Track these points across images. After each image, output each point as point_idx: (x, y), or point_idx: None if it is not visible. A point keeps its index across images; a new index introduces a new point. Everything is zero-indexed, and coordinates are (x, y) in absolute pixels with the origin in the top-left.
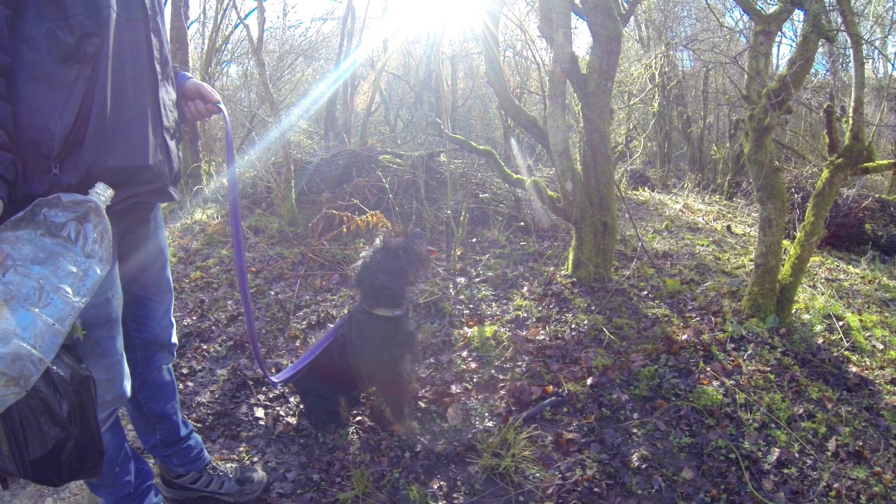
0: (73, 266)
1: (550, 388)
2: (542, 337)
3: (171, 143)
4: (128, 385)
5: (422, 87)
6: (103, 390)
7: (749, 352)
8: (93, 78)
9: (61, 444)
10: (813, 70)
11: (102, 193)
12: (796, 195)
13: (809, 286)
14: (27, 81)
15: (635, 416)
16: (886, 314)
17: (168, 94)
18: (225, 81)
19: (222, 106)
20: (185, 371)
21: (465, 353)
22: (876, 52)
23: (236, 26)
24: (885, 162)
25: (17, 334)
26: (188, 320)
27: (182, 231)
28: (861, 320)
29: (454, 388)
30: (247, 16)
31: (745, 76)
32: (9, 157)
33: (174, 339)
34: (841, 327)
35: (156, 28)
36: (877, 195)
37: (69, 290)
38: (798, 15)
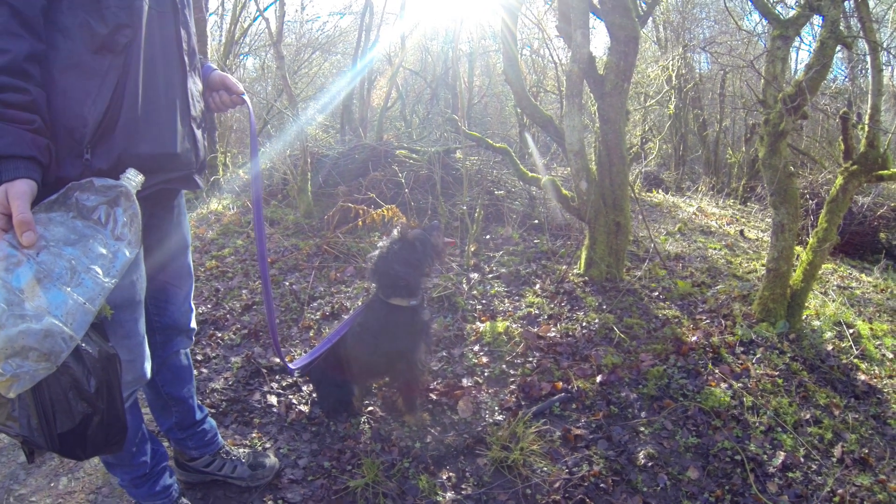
0: (103, 248)
1: (560, 384)
2: (553, 334)
3: (198, 133)
4: (148, 367)
5: (438, 83)
6: (125, 371)
7: (758, 356)
8: (125, 68)
9: (88, 419)
10: (832, 76)
11: (133, 179)
12: (811, 201)
13: (821, 293)
14: (62, 69)
15: (643, 414)
16: None
17: (195, 85)
18: (242, 74)
19: (247, 98)
20: (199, 358)
21: (476, 348)
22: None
23: (255, 19)
24: None
25: (50, 312)
26: (203, 308)
27: (198, 221)
28: (871, 329)
29: (465, 382)
30: (266, 8)
31: (762, 80)
32: (43, 142)
33: (193, 324)
34: (851, 335)
35: (184, 21)
36: (892, 204)
37: (99, 270)
38: (816, 20)
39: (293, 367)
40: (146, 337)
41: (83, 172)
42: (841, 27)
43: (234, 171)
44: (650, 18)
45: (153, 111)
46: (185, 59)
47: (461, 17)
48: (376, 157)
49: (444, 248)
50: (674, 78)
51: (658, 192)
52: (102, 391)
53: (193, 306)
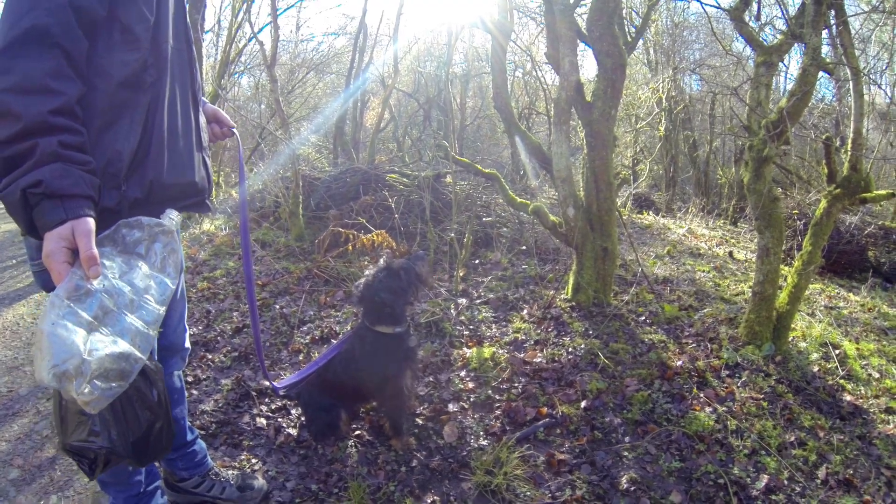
0: (150, 280)
1: (545, 409)
2: (539, 360)
3: (208, 160)
4: None
5: (431, 104)
6: None
7: (743, 379)
8: (153, 104)
9: (151, 426)
10: (819, 96)
11: (174, 218)
12: (798, 222)
13: (808, 314)
14: (98, 108)
15: (626, 439)
16: (884, 342)
17: (203, 117)
18: (236, 92)
19: (236, 131)
20: (190, 379)
21: (463, 373)
22: (883, 77)
23: (250, 40)
24: (882, 192)
25: (122, 336)
26: (194, 329)
27: (190, 241)
28: (858, 348)
29: (451, 407)
30: (260, 30)
31: (747, 107)
32: (96, 181)
33: (187, 344)
34: (837, 355)
35: (194, 58)
36: (880, 222)
37: (151, 298)
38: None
39: (279, 387)
40: None
41: (120, 202)
42: (825, 52)
43: (227, 192)
44: (641, 41)
45: (175, 143)
46: (197, 93)
47: (453, 41)
48: (367, 180)
49: (428, 277)
50: (664, 100)
51: (649, 214)
52: (162, 399)
53: (187, 326)
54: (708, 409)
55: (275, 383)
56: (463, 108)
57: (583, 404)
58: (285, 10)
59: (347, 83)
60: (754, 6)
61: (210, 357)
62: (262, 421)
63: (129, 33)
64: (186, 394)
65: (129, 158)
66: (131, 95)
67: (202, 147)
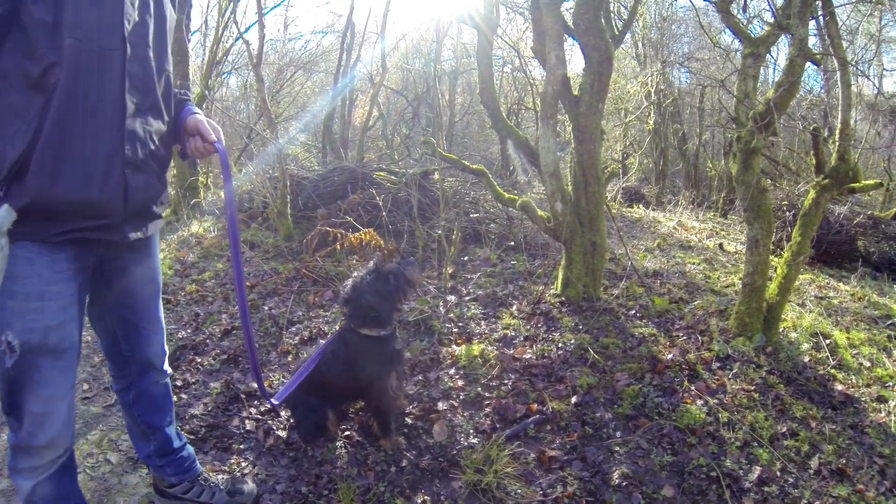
0: None
1: (535, 406)
2: (529, 356)
3: (136, 178)
4: (70, 434)
5: (420, 101)
6: (34, 427)
7: (734, 371)
8: (45, 108)
9: None
10: (808, 87)
11: (4, 216)
12: (788, 213)
13: (798, 304)
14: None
15: (618, 434)
16: (875, 331)
17: (147, 126)
18: (224, 92)
19: (221, 145)
20: (179, 383)
21: (452, 371)
22: (870, 68)
23: (237, 39)
24: (870, 182)
25: None
26: (183, 333)
27: (179, 243)
28: (849, 338)
29: (441, 405)
30: (247, 30)
31: (735, 99)
32: None
33: (166, 367)
34: (828, 345)
35: (140, 58)
36: (869, 212)
37: None
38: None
39: (275, 402)
40: (120, 369)
41: None
42: (812, 43)
43: (216, 193)
44: (629, 35)
45: (72, 154)
46: (130, 98)
47: (441, 37)
48: (355, 179)
49: (417, 282)
50: (653, 93)
51: (639, 207)
52: None
53: (167, 349)
54: (699, 402)
55: (272, 400)
56: (452, 105)
57: (573, 400)
58: (272, 10)
59: (336, 81)
60: None
61: (199, 360)
62: (251, 424)
63: (27, 34)
64: (175, 398)
65: (10, 164)
66: (30, 97)
67: (125, 161)
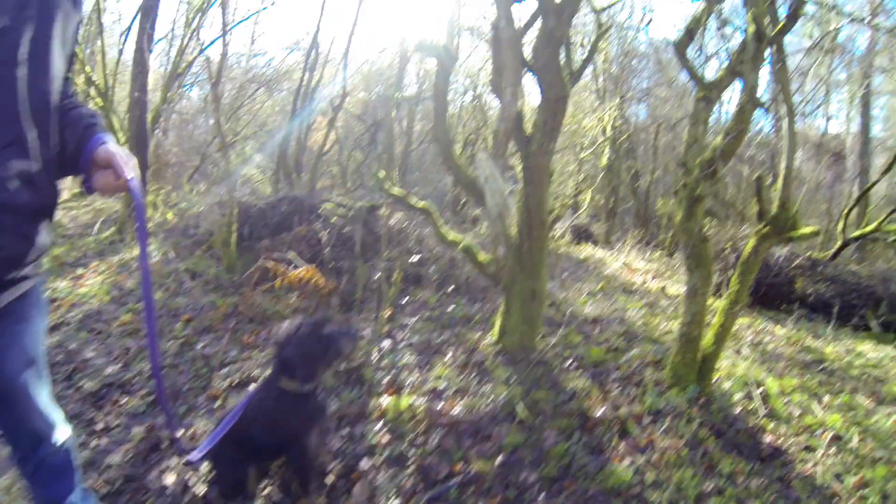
0: None
1: (459, 465)
2: (458, 410)
3: None
4: None
5: (378, 127)
6: None
7: (665, 425)
8: None
9: None
10: (758, 128)
11: None
12: (732, 255)
13: (734, 351)
14: None
15: (541, 497)
16: (807, 377)
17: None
18: (184, 105)
19: (134, 184)
20: (100, 427)
21: (379, 426)
22: (819, 109)
23: (200, 53)
24: (807, 230)
25: None
26: (111, 368)
27: (119, 267)
28: (781, 385)
29: (364, 463)
30: (209, 45)
31: (683, 143)
32: None
33: (57, 439)
34: (760, 394)
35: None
36: (808, 253)
37: None
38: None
39: (194, 459)
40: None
41: None
42: (769, 86)
43: (164, 213)
44: (590, 67)
45: None
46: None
47: (402, 64)
48: (302, 210)
49: (350, 354)
50: (608, 129)
51: (587, 246)
52: None
53: (61, 418)
54: (627, 461)
55: (190, 457)
56: (409, 132)
57: (498, 460)
58: (237, 24)
59: (296, 101)
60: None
61: (124, 401)
62: (169, 477)
63: None
64: (94, 442)
65: None
66: None
67: None
